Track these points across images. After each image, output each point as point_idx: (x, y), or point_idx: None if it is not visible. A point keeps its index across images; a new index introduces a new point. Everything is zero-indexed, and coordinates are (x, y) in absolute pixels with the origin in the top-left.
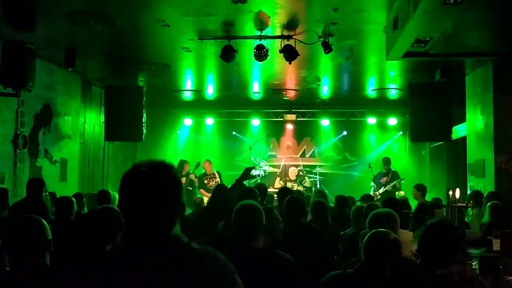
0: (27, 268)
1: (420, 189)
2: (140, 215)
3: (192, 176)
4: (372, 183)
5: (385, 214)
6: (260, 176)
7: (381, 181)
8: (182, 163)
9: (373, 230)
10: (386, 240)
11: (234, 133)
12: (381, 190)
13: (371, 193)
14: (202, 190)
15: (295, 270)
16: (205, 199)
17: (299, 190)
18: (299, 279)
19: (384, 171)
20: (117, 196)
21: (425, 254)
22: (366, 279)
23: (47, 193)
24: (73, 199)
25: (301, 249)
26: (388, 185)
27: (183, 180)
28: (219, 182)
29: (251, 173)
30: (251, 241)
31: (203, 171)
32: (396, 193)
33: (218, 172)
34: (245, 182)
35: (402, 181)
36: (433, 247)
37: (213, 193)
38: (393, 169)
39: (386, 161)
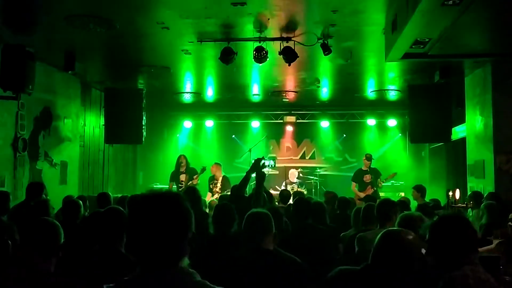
0: (31, 271)
1: (420, 190)
2: (148, 246)
3: (195, 181)
4: (353, 183)
5: (418, 217)
6: (270, 166)
7: (364, 179)
8: (180, 156)
9: (391, 228)
10: (400, 240)
11: (233, 136)
12: (369, 192)
13: (357, 193)
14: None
15: (303, 270)
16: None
17: (300, 192)
18: (307, 279)
19: (365, 169)
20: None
21: (436, 250)
22: (371, 280)
23: (47, 196)
24: (80, 202)
25: (304, 249)
26: (378, 183)
27: (183, 177)
28: (219, 187)
29: (259, 163)
30: (260, 243)
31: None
32: (380, 194)
33: (224, 177)
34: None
35: (399, 182)
36: (448, 243)
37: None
38: (372, 166)
39: (369, 157)
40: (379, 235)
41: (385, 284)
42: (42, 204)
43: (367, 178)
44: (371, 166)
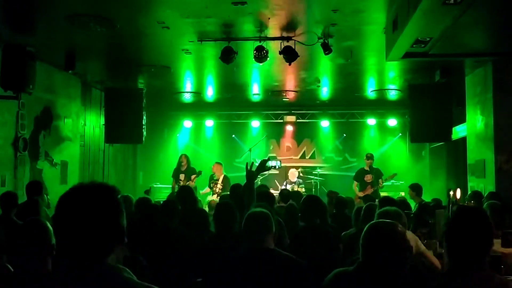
0: (28, 272)
1: (415, 188)
2: (70, 238)
3: (192, 183)
4: (355, 182)
5: (395, 212)
6: (277, 167)
7: (365, 179)
8: (181, 156)
9: (374, 221)
10: (387, 232)
11: (233, 136)
12: (369, 191)
13: (357, 193)
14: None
15: (304, 269)
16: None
17: (299, 191)
18: (308, 279)
19: (366, 169)
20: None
21: (451, 246)
22: (365, 278)
23: (46, 195)
24: None
25: (311, 249)
26: (379, 183)
27: (182, 177)
28: (219, 187)
29: (267, 164)
30: (261, 243)
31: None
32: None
33: (225, 177)
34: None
35: (399, 182)
36: (463, 239)
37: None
38: (375, 167)
39: (370, 156)
40: (365, 229)
41: (380, 281)
42: (32, 204)
43: (368, 178)
44: (374, 166)
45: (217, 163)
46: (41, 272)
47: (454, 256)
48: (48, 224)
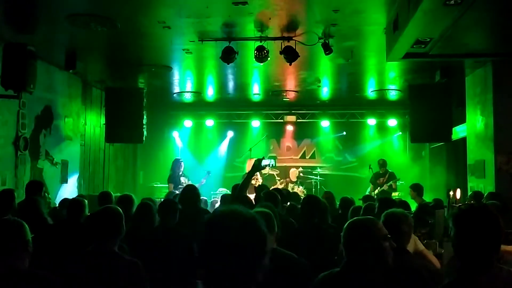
0: (2, 269)
1: (416, 188)
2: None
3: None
4: (371, 185)
5: (402, 214)
6: (270, 165)
7: (378, 181)
8: (178, 160)
9: (352, 219)
10: (363, 224)
11: (232, 135)
12: (376, 191)
13: (367, 193)
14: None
15: (305, 268)
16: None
17: (296, 192)
18: (308, 277)
19: (381, 172)
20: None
21: (459, 247)
22: (351, 278)
23: (47, 194)
24: (85, 201)
25: (309, 249)
26: (384, 185)
27: (183, 179)
28: (261, 183)
29: (261, 164)
30: None
31: None
32: (392, 193)
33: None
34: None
35: (399, 182)
36: (471, 239)
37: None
38: (390, 170)
39: (382, 163)
40: (344, 227)
41: (365, 277)
42: (32, 203)
43: (381, 181)
44: (389, 170)
45: (251, 159)
46: (15, 269)
47: (463, 257)
48: (23, 222)
